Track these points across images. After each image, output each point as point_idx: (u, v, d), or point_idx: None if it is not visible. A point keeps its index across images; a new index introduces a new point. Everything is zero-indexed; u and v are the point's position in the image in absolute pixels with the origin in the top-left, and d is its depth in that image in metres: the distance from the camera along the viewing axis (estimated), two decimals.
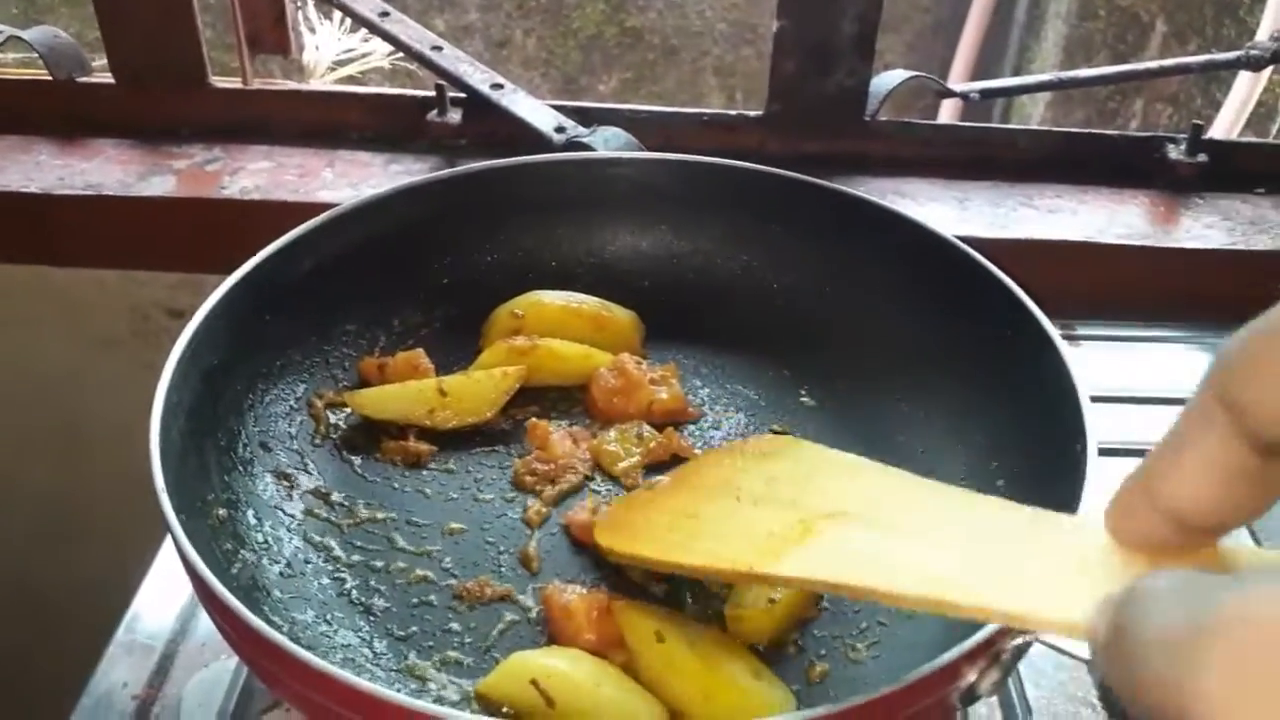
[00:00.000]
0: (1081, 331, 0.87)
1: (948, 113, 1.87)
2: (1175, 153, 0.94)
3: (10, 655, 1.12)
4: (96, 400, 1.03)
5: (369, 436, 0.65)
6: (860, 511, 0.41)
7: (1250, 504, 0.28)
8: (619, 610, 0.52)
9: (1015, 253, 0.87)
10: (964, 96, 0.98)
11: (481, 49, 2.23)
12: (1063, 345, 0.61)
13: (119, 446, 0.99)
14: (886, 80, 0.95)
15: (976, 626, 0.44)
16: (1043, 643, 0.45)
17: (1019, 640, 0.44)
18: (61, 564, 1.09)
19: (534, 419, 0.66)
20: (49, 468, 1.08)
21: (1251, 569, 0.30)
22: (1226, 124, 1.59)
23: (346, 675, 0.42)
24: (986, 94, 0.99)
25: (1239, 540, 0.31)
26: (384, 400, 0.65)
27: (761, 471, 0.47)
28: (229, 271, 0.62)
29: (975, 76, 2.15)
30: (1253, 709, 0.20)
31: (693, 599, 0.56)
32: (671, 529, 0.47)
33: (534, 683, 0.48)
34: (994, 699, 0.58)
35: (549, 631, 0.54)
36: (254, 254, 0.64)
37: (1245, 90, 1.56)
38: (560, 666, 0.49)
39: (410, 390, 0.66)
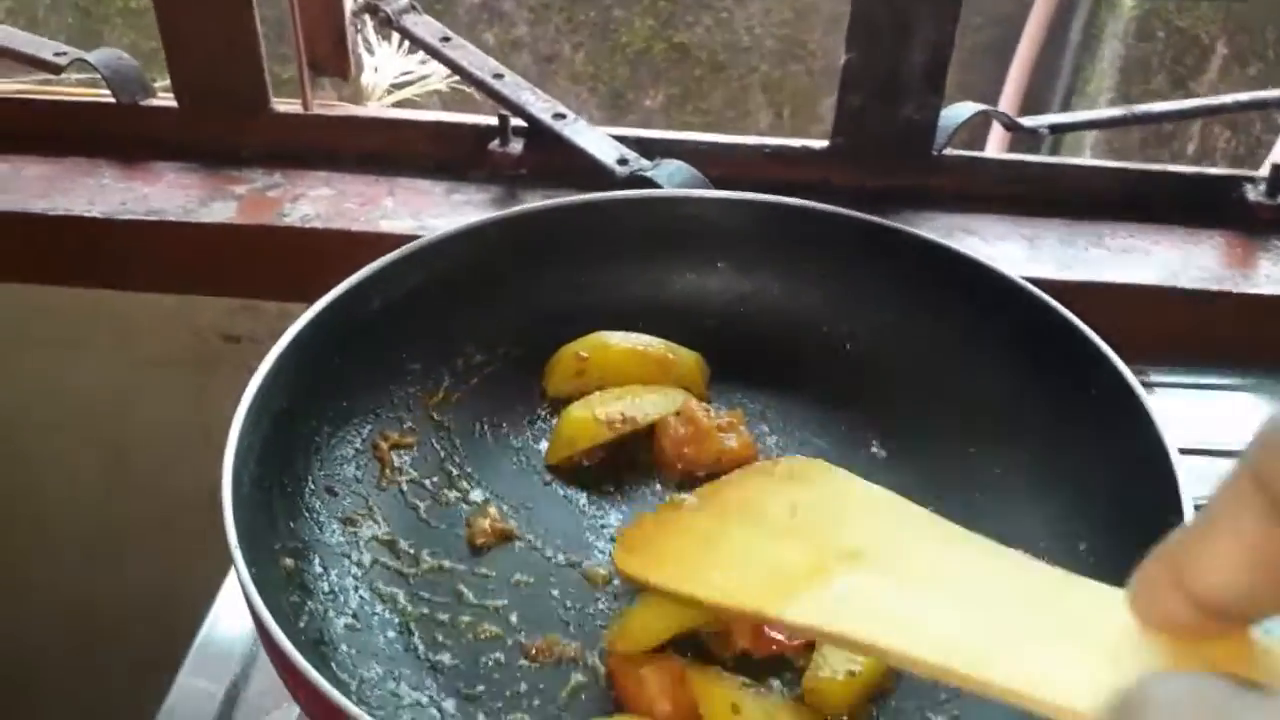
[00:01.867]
0: (1156, 378, 0.84)
1: (995, 140, 1.85)
2: (1254, 193, 0.92)
3: (64, 674, 1.13)
4: (149, 423, 1.03)
5: (435, 482, 0.64)
6: (877, 553, 0.39)
7: None
8: (694, 680, 0.50)
9: (1087, 295, 0.85)
10: (1033, 131, 0.96)
11: (529, 63, 2.23)
12: (1146, 398, 0.59)
13: (172, 468, 1.00)
14: (955, 114, 0.93)
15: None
16: None
17: None
18: (114, 585, 1.09)
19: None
20: (102, 488, 1.08)
21: (1275, 675, 0.28)
22: None
23: None
24: (1056, 129, 0.97)
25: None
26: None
27: (786, 497, 0.45)
28: (288, 299, 0.61)
29: (1028, 98, 2.12)
30: None
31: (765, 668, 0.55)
32: (687, 555, 0.46)
33: None
34: None
35: (617, 699, 0.53)
36: (315, 282, 0.63)
37: None
38: None
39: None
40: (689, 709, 0.50)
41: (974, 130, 1.94)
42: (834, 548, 0.40)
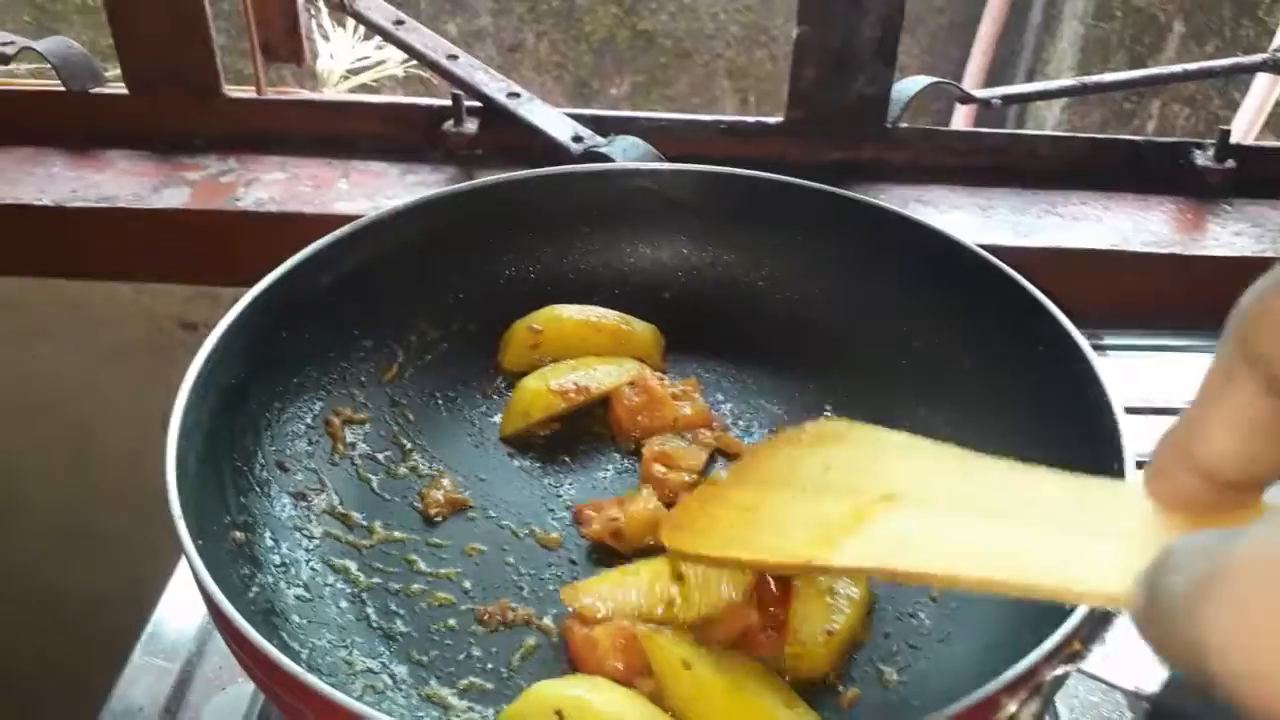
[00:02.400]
0: (1108, 341, 0.85)
1: (961, 115, 1.86)
2: (1203, 159, 0.93)
3: (25, 664, 1.12)
4: (109, 412, 1.02)
5: (388, 456, 0.65)
6: (911, 492, 0.40)
7: None
8: (645, 638, 0.51)
9: (1040, 261, 0.85)
10: (986, 103, 0.96)
11: (493, 53, 2.22)
12: (1094, 357, 0.60)
13: (131, 458, 0.99)
14: (908, 87, 0.94)
15: (1014, 654, 0.43)
16: (1081, 671, 0.43)
17: (1059, 670, 0.43)
18: (74, 574, 1.09)
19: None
20: (61, 478, 1.07)
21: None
22: (1244, 126, 1.57)
23: (366, 709, 0.41)
24: (1008, 100, 0.98)
25: None
26: (610, 597, 0.55)
27: (818, 458, 0.47)
28: (243, 284, 0.61)
29: (990, 77, 2.14)
30: (1255, 643, 0.21)
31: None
32: (733, 525, 0.47)
33: (558, 714, 0.47)
34: None
35: (571, 660, 0.53)
36: (269, 266, 0.63)
37: (1264, 92, 1.54)
38: (584, 696, 0.48)
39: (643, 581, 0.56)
40: (639, 668, 0.51)
41: (938, 116, 1.95)
42: (870, 494, 0.41)
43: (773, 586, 0.54)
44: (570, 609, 0.54)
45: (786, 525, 0.44)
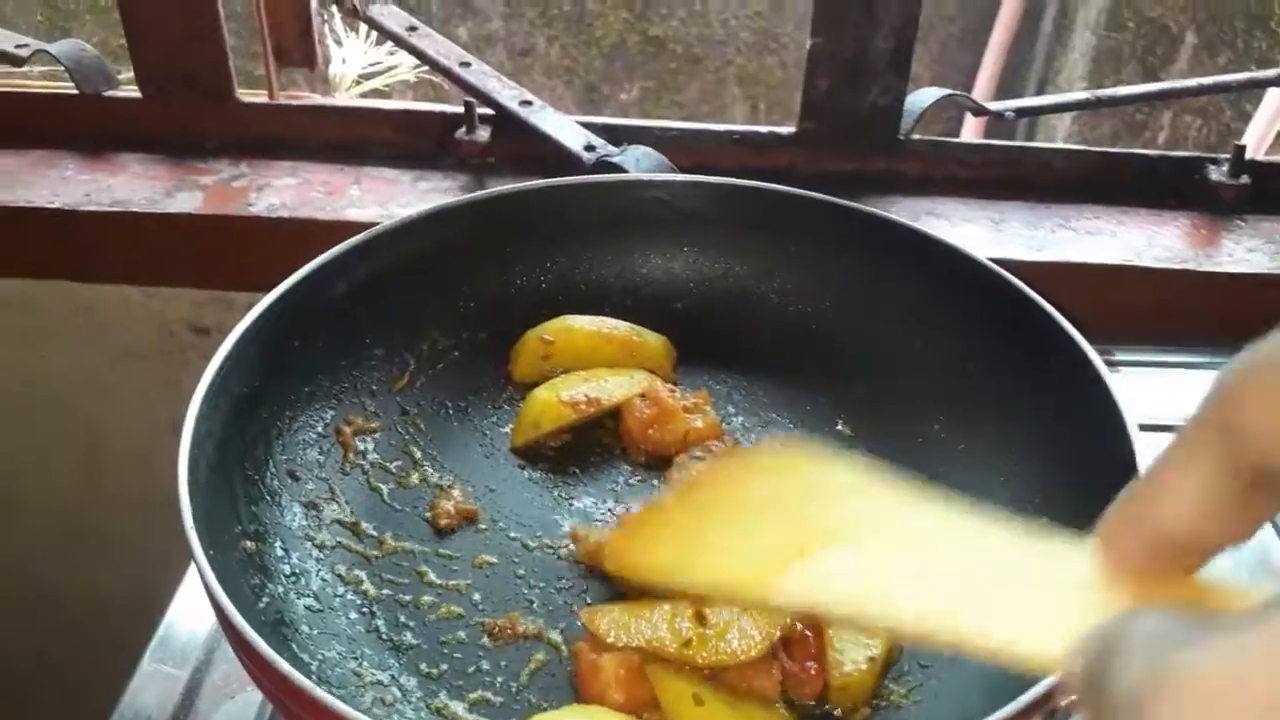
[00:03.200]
0: (1120, 357, 0.85)
1: (971, 126, 1.86)
2: (1217, 174, 0.93)
3: (27, 665, 1.12)
4: (119, 415, 1.02)
5: (399, 466, 0.64)
6: (856, 532, 0.39)
7: (1235, 530, 0.28)
8: (653, 674, 0.50)
9: (1053, 275, 0.85)
10: (999, 116, 0.96)
11: (504, 58, 2.22)
12: (1107, 374, 0.60)
13: (141, 461, 0.99)
14: (921, 99, 0.93)
15: (1025, 680, 0.43)
16: None
17: (1076, 695, 0.43)
18: (80, 575, 1.09)
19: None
20: (70, 480, 1.07)
21: (1228, 612, 0.30)
22: (1256, 138, 1.56)
23: None
24: (1022, 113, 0.97)
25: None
26: (626, 625, 0.54)
27: (766, 484, 0.45)
28: (255, 289, 0.61)
29: (1001, 87, 2.13)
30: None
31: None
32: (673, 550, 0.46)
33: None
34: None
35: (577, 685, 0.53)
36: (281, 272, 0.63)
37: (1276, 105, 1.53)
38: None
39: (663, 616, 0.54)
40: (642, 702, 0.50)
41: (948, 124, 1.95)
42: (814, 528, 0.40)
43: (800, 629, 0.54)
44: (585, 632, 0.53)
45: (726, 553, 0.43)
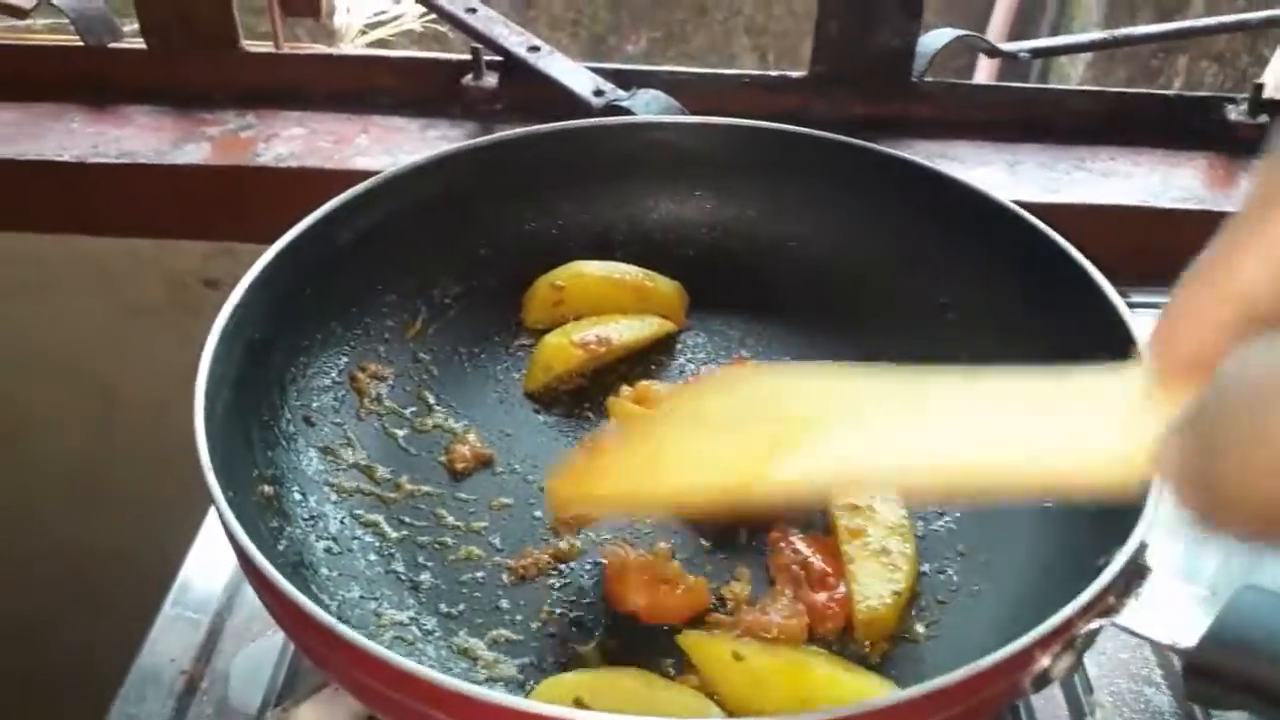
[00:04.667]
0: (1137, 299, 0.84)
1: (984, 72, 1.83)
2: (1235, 113, 0.91)
3: (52, 620, 1.13)
4: (132, 368, 1.03)
5: (414, 411, 0.64)
6: (850, 413, 0.34)
7: None
8: (686, 641, 0.50)
9: (1069, 217, 0.84)
10: (1012, 56, 0.94)
11: (508, 9, 2.19)
12: (1123, 306, 0.59)
13: (154, 414, 0.99)
14: (933, 40, 0.92)
15: (1046, 609, 0.43)
16: (1118, 626, 0.43)
17: (1094, 624, 0.43)
18: (99, 529, 1.10)
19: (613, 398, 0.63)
20: (85, 434, 1.08)
21: None
22: (1275, 78, 1.54)
23: (397, 658, 0.41)
24: (1036, 53, 0.96)
25: None
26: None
27: (727, 400, 0.41)
28: (264, 241, 0.61)
29: (1014, 32, 2.10)
30: None
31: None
32: (635, 469, 0.41)
33: (577, 701, 0.47)
34: None
35: (604, 589, 0.53)
36: (290, 222, 0.62)
37: None
38: (601, 680, 0.48)
39: None
40: (663, 608, 0.51)
41: (960, 71, 1.92)
42: (798, 416, 0.35)
43: (820, 564, 0.54)
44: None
45: (701, 459, 0.38)
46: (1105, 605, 0.43)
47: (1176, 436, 0.24)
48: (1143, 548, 0.46)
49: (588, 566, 0.56)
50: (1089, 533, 0.50)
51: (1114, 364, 0.31)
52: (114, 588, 1.02)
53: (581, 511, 0.52)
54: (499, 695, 0.39)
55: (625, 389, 0.64)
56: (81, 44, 0.93)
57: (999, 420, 0.32)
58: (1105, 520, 0.48)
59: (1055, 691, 0.56)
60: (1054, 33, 2.21)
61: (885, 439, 0.34)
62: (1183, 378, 0.28)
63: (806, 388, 0.37)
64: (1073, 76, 2.13)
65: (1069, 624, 0.42)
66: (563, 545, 0.56)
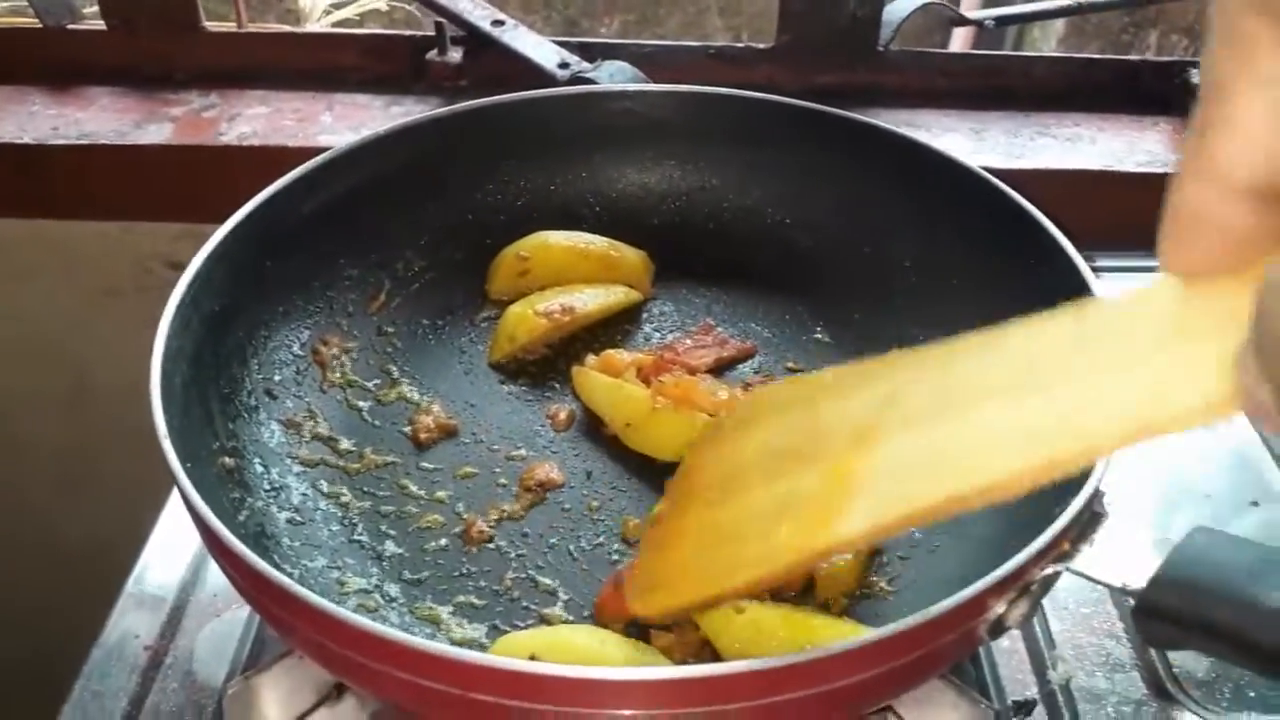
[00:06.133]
0: (1102, 263, 0.84)
1: (958, 43, 1.83)
2: (1197, 77, 0.91)
3: (25, 604, 1.12)
4: (100, 353, 1.02)
5: (377, 384, 0.64)
6: (887, 417, 0.32)
7: None
8: None
9: (1034, 182, 0.84)
10: (979, 24, 0.95)
11: None
12: (1088, 271, 0.60)
13: (124, 398, 0.98)
14: (899, 8, 0.92)
15: (1001, 557, 0.43)
16: (1072, 571, 0.44)
17: (1048, 570, 0.43)
18: (72, 513, 1.09)
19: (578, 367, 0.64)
20: (55, 419, 1.07)
21: None
22: None
23: (357, 618, 0.41)
24: (1002, 21, 0.96)
25: None
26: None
27: (755, 442, 0.38)
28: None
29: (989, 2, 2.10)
30: None
31: None
32: (700, 557, 0.39)
33: (532, 656, 0.46)
34: (1017, 631, 0.56)
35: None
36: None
37: None
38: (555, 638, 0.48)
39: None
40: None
41: (937, 31, 1.92)
42: (838, 442, 0.33)
43: None
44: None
45: (762, 526, 0.36)
46: (1060, 551, 0.44)
47: (1250, 361, 0.22)
48: (1098, 494, 0.46)
49: (551, 525, 0.56)
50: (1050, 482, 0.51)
51: (1130, 289, 0.28)
52: (88, 568, 1.01)
53: (671, 619, 0.50)
54: (456, 651, 0.39)
55: (590, 358, 0.64)
56: (40, 25, 0.92)
57: (1049, 387, 0.29)
58: None
59: (1018, 645, 0.56)
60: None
61: (947, 447, 0.31)
62: (1207, 276, 0.26)
63: (828, 403, 0.35)
64: (1045, 50, 2.13)
65: (1022, 570, 0.42)
66: (508, 507, 0.56)
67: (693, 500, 0.40)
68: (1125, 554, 0.43)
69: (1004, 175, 0.67)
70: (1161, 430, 0.27)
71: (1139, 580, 0.41)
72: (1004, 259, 0.64)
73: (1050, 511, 0.46)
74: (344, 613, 0.41)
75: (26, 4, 0.92)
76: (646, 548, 0.45)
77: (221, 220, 0.60)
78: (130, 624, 0.59)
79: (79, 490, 1.09)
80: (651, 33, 2.28)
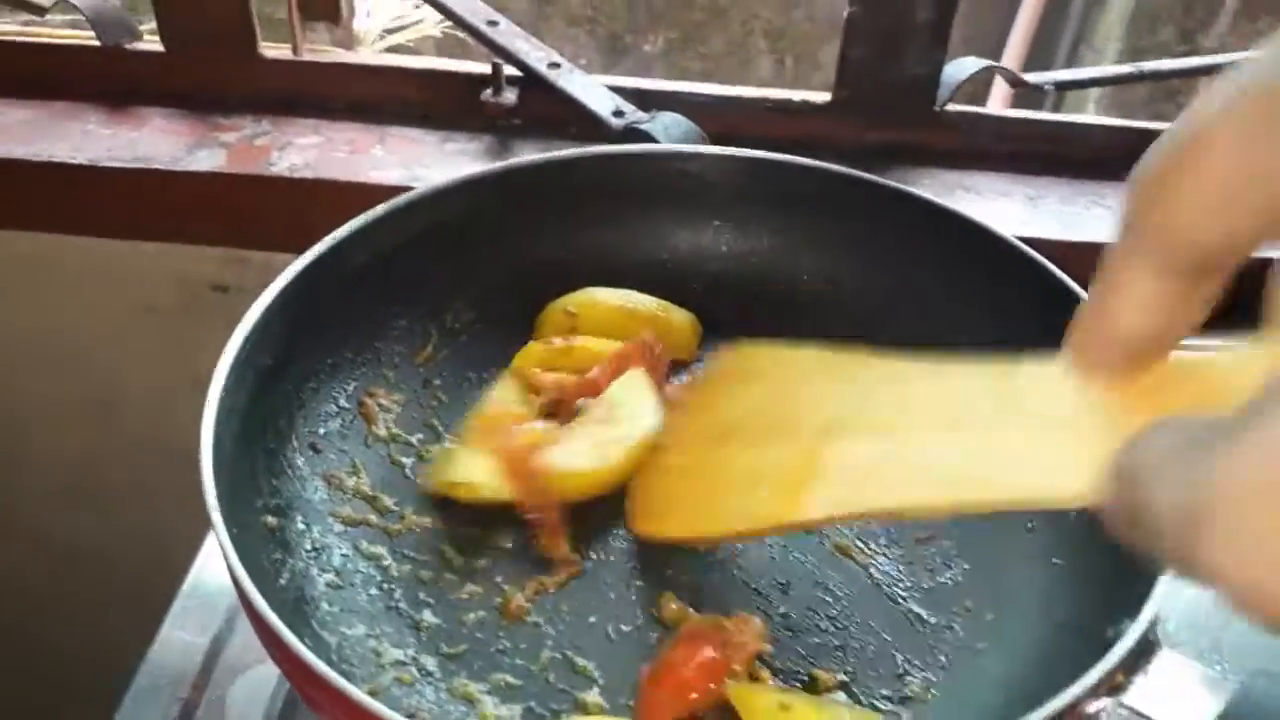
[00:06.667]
0: None
1: (999, 91, 1.81)
2: None
3: (51, 621, 1.13)
4: (139, 371, 1.02)
5: (421, 439, 0.64)
6: (847, 416, 0.41)
7: (1191, 316, 0.31)
8: (733, 693, 0.49)
9: (1087, 255, 0.83)
10: (1037, 89, 0.94)
11: (526, 6, 2.18)
12: None
13: (158, 416, 0.99)
14: (959, 69, 0.91)
15: (1052, 676, 0.43)
16: (1124, 707, 0.43)
17: (1100, 704, 0.42)
18: (102, 529, 1.10)
19: None
20: (88, 435, 1.08)
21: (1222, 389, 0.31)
22: None
23: (390, 713, 0.41)
24: (1061, 86, 0.95)
25: None
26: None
27: (747, 399, 0.47)
28: (276, 249, 0.60)
29: (1034, 47, 2.08)
30: (1259, 563, 0.20)
31: None
32: (694, 497, 0.48)
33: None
34: None
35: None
36: (302, 232, 0.62)
37: None
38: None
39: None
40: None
41: (976, 85, 1.91)
42: (809, 429, 0.41)
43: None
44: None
45: (745, 485, 0.44)
46: (1113, 683, 0.43)
47: (1110, 487, 0.26)
48: (1155, 621, 0.45)
49: (590, 603, 0.56)
50: (1101, 595, 0.50)
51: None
52: (114, 589, 1.02)
53: (661, 542, 0.55)
54: None
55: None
56: (98, 44, 0.93)
57: (973, 435, 0.36)
58: (1118, 584, 0.48)
59: None
60: (1074, 48, 2.19)
61: (891, 464, 0.38)
62: (1114, 370, 0.32)
63: (809, 382, 0.43)
64: (1090, 96, 2.11)
65: (1075, 704, 0.41)
66: (546, 580, 0.57)
67: (688, 440, 0.50)
68: (1179, 690, 0.42)
69: (1059, 246, 0.66)
70: (1042, 502, 0.33)
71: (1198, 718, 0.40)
72: (1050, 337, 0.63)
73: (1101, 627, 0.45)
74: (377, 705, 0.41)
75: (85, 21, 0.92)
76: (650, 474, 0.53)
77: (268, 247, 0.60)
78: (163, 673, 0.59)
79: (104, 504, 1.10)
80: (696, 51, 2.27)
